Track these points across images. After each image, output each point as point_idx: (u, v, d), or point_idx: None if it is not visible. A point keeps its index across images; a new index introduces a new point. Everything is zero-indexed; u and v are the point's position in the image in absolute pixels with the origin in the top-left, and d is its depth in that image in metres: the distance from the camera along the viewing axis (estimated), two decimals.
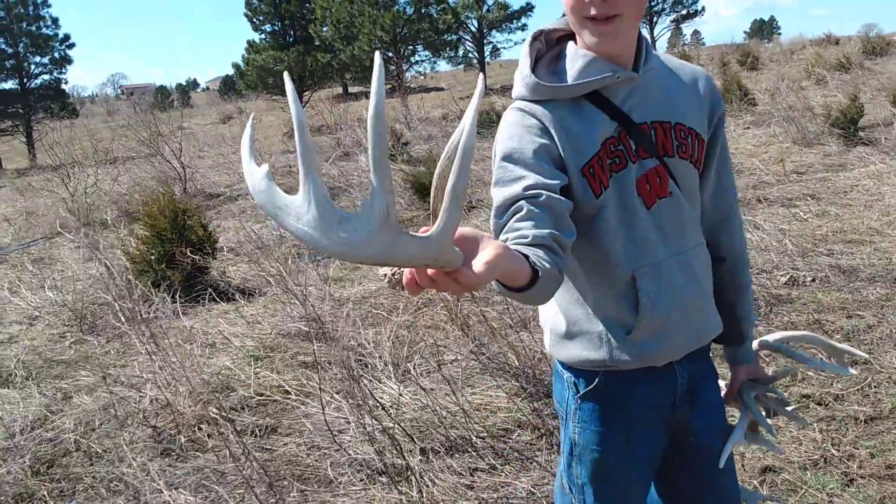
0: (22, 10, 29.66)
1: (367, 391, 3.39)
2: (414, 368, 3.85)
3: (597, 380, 1.60)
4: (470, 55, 36.33)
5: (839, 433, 3.26)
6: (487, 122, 13.52)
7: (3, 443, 3.92)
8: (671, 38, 59.79)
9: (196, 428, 3.86)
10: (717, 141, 1.65)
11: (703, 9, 46.99)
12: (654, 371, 1.60)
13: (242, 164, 0.88)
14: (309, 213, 0.83)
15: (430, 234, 0.87)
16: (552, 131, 1.46)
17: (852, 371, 1.88)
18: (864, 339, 4.10)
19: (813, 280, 4.97)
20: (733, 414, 1.82)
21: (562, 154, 1.45)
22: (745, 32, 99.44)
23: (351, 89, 35.23)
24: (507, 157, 1.43)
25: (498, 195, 1.39)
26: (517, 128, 1.47)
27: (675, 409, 1.65)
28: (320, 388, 3.43)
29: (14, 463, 3.67)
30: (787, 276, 5.02)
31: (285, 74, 0.95)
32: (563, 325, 1.61)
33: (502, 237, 1.30)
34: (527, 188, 1.35)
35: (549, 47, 1.59)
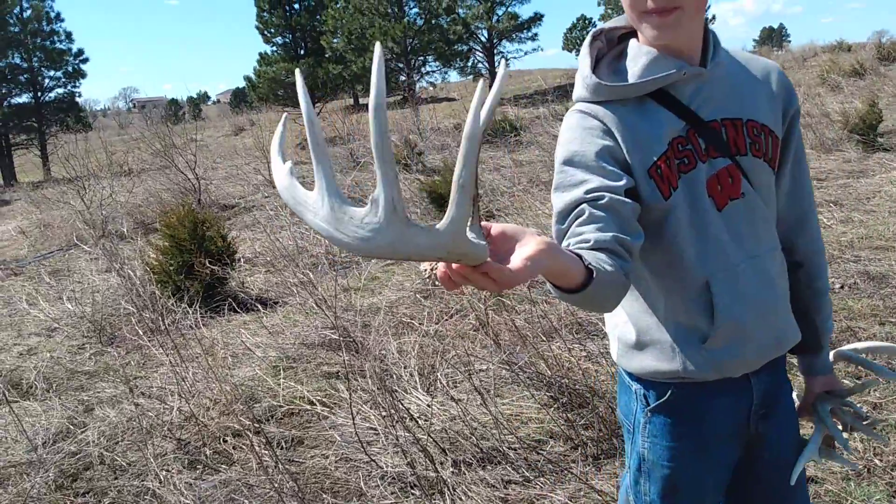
0: (36, 25, 29.87)
1: (398, 402, 3.33)
2: (442, 378, 3.79)
3: (669, 392, 1.53)
4: (480, 65, 36.40)
5: (881, 442, 3.18)
6: (500, 132, 13.51)
7: (25, 456, 3.88)
8: None
9: (221, 440, 3.81)
10: (792, 138, 1.56)
11: (714, 17, 46.89)
12: (730, 382, 1.52)
13: (271, 162, 0.90)
14: (324, 208, 0.84)
15: (438, 224, 0.85)
16: (615, 132, 1.40)
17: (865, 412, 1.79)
18: None
19: (842, 287, 4.90)
20: (804, 427, 1.75)
21: (626, 156, 1.40)
22: (754, 41, 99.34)
23: (362, 100, 35.34)
24: (568, 161, 1.38)
25: (558, 200, 1.34)
26: (578, 130, 1.42)
27: (751, 423, 1.57)
28: (350, 399, 3.37)
29: (38, 476, 3.62)
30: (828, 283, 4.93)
31: (297, 71, 0.96)
32: (632, 334, 1.55)
33: (564, 243, 1.25)
34: (588, 191, 1.30)
35: (611, 46, 1.53)
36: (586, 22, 69.93)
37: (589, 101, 1.45)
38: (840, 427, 1.71)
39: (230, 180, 14.02)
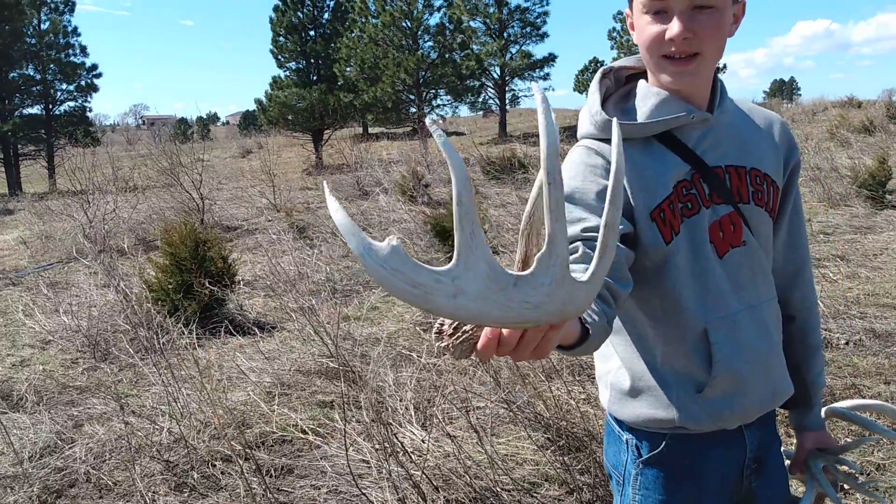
0: (52, 38, 30.13)
1: (392, 435, 3.26)
2: (439, 413, 3.72)
3: (663, 443, 1.48)
4: (490, 101, 36.64)
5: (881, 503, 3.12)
6: (508, 169, 13.53)
7: (10, 469, 3.80)
8: None
9: (210, 464, 3.74)
10: (791, 189, 1.57)
11: (725, 66, 47.35)
12: (725, 435, 1.49)
13: (352, 244, 0.68)
14: (474, 284, 0.71)
15: (585, 277, 0.77)
16: None
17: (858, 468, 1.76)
18: None
19: (847, 343, 4.85)
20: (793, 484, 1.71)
21: (630, 197, 1.37)
22: (764, 92, 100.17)
23: (371, 130, 35.54)
24: (568, 197, 1.33)
25: None
26: (581, 167, 1.39)
27: (744, 478, 1.53)
28: (345, 430, 3.31)
29: (21, 491, 3.55)
30: (821, 338, 4.88)
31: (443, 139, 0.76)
32: (626, 380, 1.50)
33: None
34: (585, 230, 1.27)
35: (618, 86, 1.52)
36: (598, 65, 70.54)
37: (595, 139, 1.43)
38: (833, 485, 1.67)
39: (234, 202, 14.04)
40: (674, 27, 1.29)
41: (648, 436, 1.49)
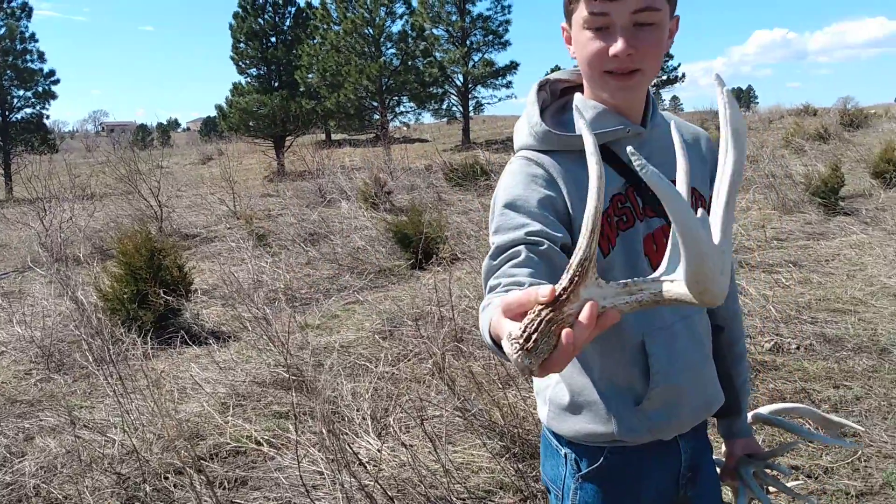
0: (9, 44, 29.57)
1: (346, 446, 3.25)
2: (395, 423, 3.72)
3: (602, 457, 1.48)
4: (454, 109, 36.74)
5: None
6: (471, 175, 13.57)
7: None
8: None
9: (162, 477, 3.68)
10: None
11: (684, 75, 47.98)
12: (661, 446, 1.50)
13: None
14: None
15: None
16: (560, 184, 1.37)
17: (847, 442, 1.81)
18: (853, 410, 4.04)
19: (798, 348, 4.93)
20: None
21: (569, 208, 1.37)
22: None
23: (334, 136, 35.37)
24: (510, 205, 1.32)
25: (497, 240, 1.28)
26: (522, 176, 1.38)
27: (679, 488, 1.55)
28: (297, 442, 3.28)
29: None
30: (772, 343, 4.97)
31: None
32: (565, 395, 1.49)
33: (492, 282, 1.18)
34: (529, 233, 1.25)
35: (554, 98, 1.53)
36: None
37: (535, 150, 1.43)
38: (767, 490, 1.72)
39: (194, 209, 13.89)
40: (618, 44, 1.30)
41: (587, 450, 1.50)
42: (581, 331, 0.83)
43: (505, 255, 1.23)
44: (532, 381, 1.63)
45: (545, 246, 1.24)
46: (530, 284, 1.13)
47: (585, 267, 0.84)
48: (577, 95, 1.47)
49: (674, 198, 0.78)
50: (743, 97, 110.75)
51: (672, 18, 1.38)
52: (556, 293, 0.83)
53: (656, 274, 0.92)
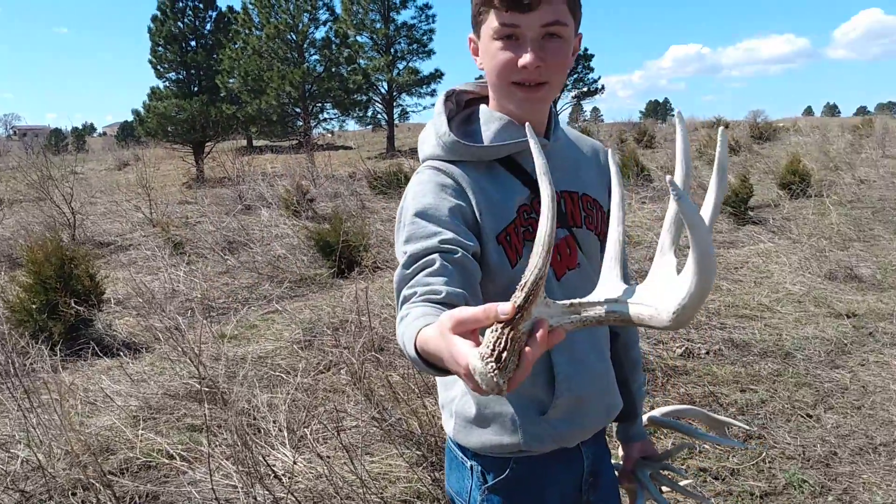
0: None
1: (260, 458, 3.19)
2: (311, 434, 3.67)
3: (508, 468, 1.49)
4: (379, 116, 36.66)
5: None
6: (395, 183, 13.54)
7: None
8: (572, 114, 62.13)
9: (70, 493, 3.55)
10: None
11: (603, 87, 49.01)
12: (565, 453, 1.53)
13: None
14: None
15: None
16: (469, 194, 1.38)
17: (735, 442, 1.89)
18: (758, 413, 4.18)
19: (707, 353, 5.08)
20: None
21: (479, 219, 1.37)
22: (640, 112, 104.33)
23: (256, 142, 34.83)
24: (421, 214, 1.31)
25: (409, 249, 1.26)
26: (432, 185, 1.37)
27: (582, 493, 1.58)
28: (209, 454, 3.21)
29: None
30: (683, 348, 5.11)
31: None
32: (471, 408, 1.49)
33: (407, 291, 1.17)
34: (443, 241, 1.25)
35: (459, 109, 1.54)
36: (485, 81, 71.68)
37: (442, 160, 1.43)
38: (661, 490, 1.76)
39: (109, 216, 13.45)
40: (527, 56, 1.31)
41: (493, 461, 1.50)
42: (536, 349, 0.84)
43: (419, 263, 1.22)
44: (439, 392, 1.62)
45: (459, 254, 1.23)
46: (447, 294, 1.14)
47: (539, 285, 0.86)
48: (483, 107, 1.48)
49: (701, 229, 0.80)
50: (660, 110, 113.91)
51: (576, 35, 1.40)
52: (515, 311, 0.84)
53: (602, 297, 0.96)
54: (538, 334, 0.84)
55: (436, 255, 1.22)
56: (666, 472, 1.77)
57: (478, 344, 0.85)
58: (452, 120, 1.49)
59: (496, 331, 0.83)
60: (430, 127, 1.48)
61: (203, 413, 4.11)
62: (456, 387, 1.53)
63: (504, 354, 0.81)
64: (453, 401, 1.53)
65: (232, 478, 3.40)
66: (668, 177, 0.84)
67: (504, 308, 0.84)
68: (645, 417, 1.84)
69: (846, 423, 4.03)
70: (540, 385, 1.45)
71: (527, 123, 1.15)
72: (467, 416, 1.50)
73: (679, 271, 0.95)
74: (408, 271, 1.22)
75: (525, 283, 0.86)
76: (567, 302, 0.93)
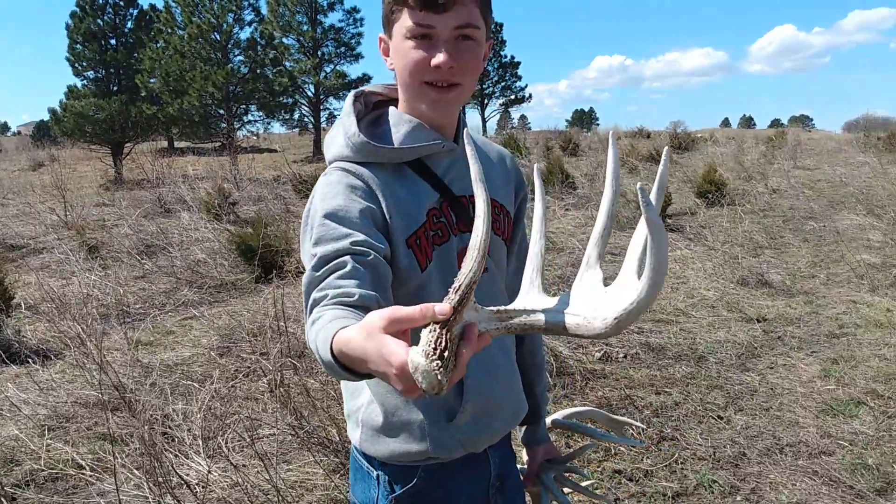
0: None
1: (171, 467, 3.11)
2: (226, 443, 3.60)
3: (416, 477, 1.48)
4: (306, 119, 36.27)
5: None
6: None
7: None
8: (500, 121, 62.66)
9: None
10: (520, 220, 1.66)
11: (531, 96, 49.69)
12: (472, 458, 1.53)
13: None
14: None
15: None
16: (380, 197, 1.36)
17: (634, 441, 1.95)
18: (671, 415, 4.29)
19: (625, 356, 5.19)
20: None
21: (389, 221, 1.36)
22: (566, 121, 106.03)
23: (178, 144, 34.03)
24: (331, 215, 1.28)
25: (319, 251, 1.23)
26: (341, 187, 1.34)
27: (490, 497, 1.59)
28: (115, 464, 3.11)
29: None
30: (602, 352, 5.21)
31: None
32: (379, 416, 1.47)
33: (317, 294, 1.15)
34: (355, 243, 1.22)
35: (368, 110, 1.52)
36: None
37: (351, 161, 1.41)
38: (565, 492, 1.79)
39: (21, 219, 12.95)
40: (441, 56, 1.31)
41: (401, 470, 1.49)
42: (469, 352, 0.86)
43: (330, 265, 1.19)
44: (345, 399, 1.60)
45: (371, 256, 1.22)
46: (360, 296, 1.12)
47: (472, 289, 0.87)
48: (392, 109, 1.47)
49: (662, 245, 0.84)
50: (585, 118, 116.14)
51: (487, 40, 1.41)
52: (452, 311, 0.85)
53: (530, 305, 0.99)
54: (470, 336, 0.86)
55: (347, 258, 1.19)
56: (569, 474, 1.80)
57: (409, 344, 0.85)
58: (361, 121, 1.47)
59: (434, 331, 0.84)
60: (339, 127, 1.47)
61: (112, 422, 3.99)
62: (363, 395, 1.51)
63: (446, 353, 0.82)
64: (360, 409, 1.51)
65: (143, 488, 3.31)
66: (638, 184, 0.86)
67: (441, 308, 0.84)
68: (548, 420, 1.87)
69: (755, 425, 4.17)
70: (449, 389, 1.45)
71: (466, 130, 1.20)
72: (374, 424, 1.48)
73: (606, 284, 0.99)
74: (318, 273, 1.20)
75: (459, 285, 0.87)
76: (494, 308, 0.96)
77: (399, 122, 1.44)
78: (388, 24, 1.39)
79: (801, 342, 5.53)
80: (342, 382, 1.55)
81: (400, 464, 1.48)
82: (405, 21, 1.33)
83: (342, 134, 1.44)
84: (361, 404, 1.50)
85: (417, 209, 1.40)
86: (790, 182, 13.47)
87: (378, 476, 1.50)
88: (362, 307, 1.11)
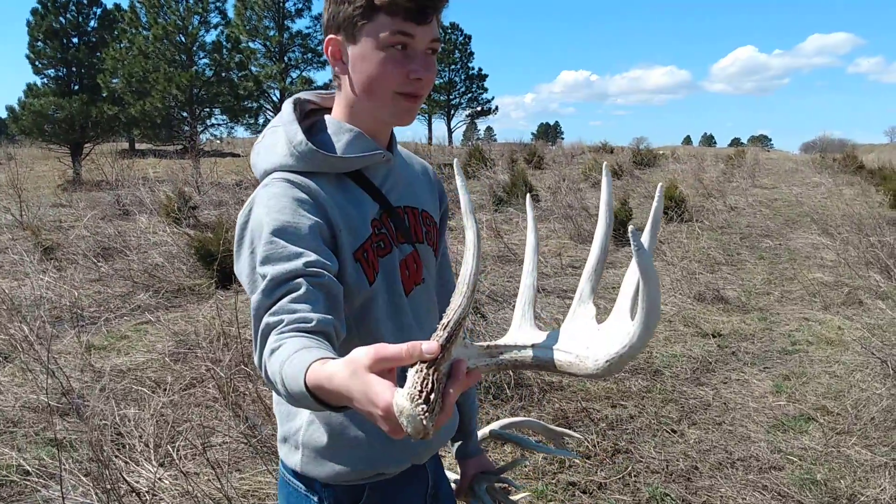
0: None
1: (120, 474, 3.06)
2: (178, 450, 3.55)
3: (364, 495, 1.45)
4: None
5: None
6: None
7: None
8: (467, 132, 62.90)
9: None
10: (443, 232, 1.66)
11: (496, 108, 50.00)
12: (413, 471, 1.52)
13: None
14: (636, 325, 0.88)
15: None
16: (328, 210, 1.31)
17: (571, 453, 1.97)
18: (626, 428, 4.32)
19: None
20: None
21: (337, 235, 1.31)
22: (532, 134, 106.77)
23: (139, 145, 33.59)
24: (280, 232, 1.21)
25: (269, 272, 1.16)
26: (287, 200, 1.27)
27: None
28: (61, 470, 3.05)
29: None
30: None
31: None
32: (323, 436, 1.42)
33: (271, 319, 1.10)
34: (308, 264, 1.16)
35: (301, 119, 1.46)
36: None
37: (294, 171, 1.34)
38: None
39: None
40: (420, 68, 1.29)
41: (347, 490, 1.45)
42: (457, 391, 0.82)
43: (282, 288, 1.14)
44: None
45: (325, 278, 1.18)
46: (318, 321, 1.09)
47: (462, 325, 0.84)
48: (329, 118, 1.43)
49: (654, 285, 0.84)
50: (550, 132, 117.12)
51: None
52: (440, 350, 0.82)
53: (521, 340, 0.99)
54: (458, 375, 0.83)
55: (301, 280, 1.15)
56: (503, 486, 1.82)
57: (394, 383, 0.83)
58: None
59: (421, 371, 0.81)
60: (278, 135, 1.40)
61: (61, 427, 3.91)
62: (300, 416, 1.45)
63: (432, 396, 0.79)
64: (299, 431, 1.45)
65: (90, 496, 3.25)
66: (630, 227, 0.84)
67: (429, 347, 0.81)
68: (486, 430, 1.88)
69: (707, 439, 4.22)
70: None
71: (455, 161, 1.22)
72: (318, 445, 1.43)
73: (599, 321, 1.00)
74: (269, 300, 1.14)
75: (448, 322, 0.85)
76: (485, 344, 0.94)
77: (339, 130, 1.39)
78: (351, 28, 1.31)
79: (755, 358, 5.61)
80: (276, 405, 1.51)
81: (347, 483, 1.45)
82: (382, 28, 1.27)
83: (284, 142, 1.37)
84: (300, 426, 1.45)
85: (362, 221, 1.37)
86: (748, 200, 13.72)
87: (320, 500, 1.45)
88: (321, 332, 1.08)
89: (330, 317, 1.13)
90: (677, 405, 4.69)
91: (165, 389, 4.38)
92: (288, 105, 1.45)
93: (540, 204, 12.57)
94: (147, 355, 5.47)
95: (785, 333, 6.21)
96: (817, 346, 5.87)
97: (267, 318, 1.11)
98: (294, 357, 0.98)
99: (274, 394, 1.35)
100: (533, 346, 0.98)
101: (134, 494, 3.15)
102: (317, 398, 0.93)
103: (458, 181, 1.06)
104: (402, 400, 0.80)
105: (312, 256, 1.19)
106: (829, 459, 3.96)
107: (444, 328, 0.84)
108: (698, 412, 4.60)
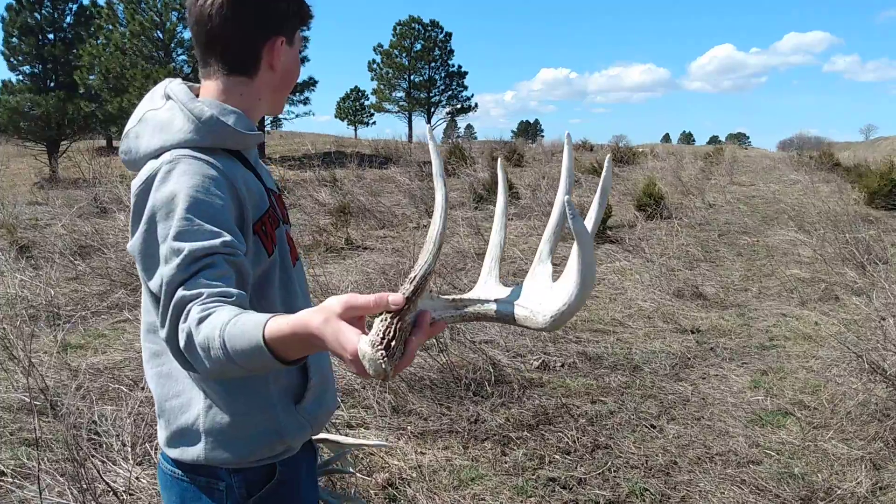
0: None
1: (97, 473, 3.03)
2: (155, 449, 3.51)
3: (276, 473, 1.44)
4: None
5: None
6: None
7: None
8: (447, 130, 62.85)
9: None
10: None
11: (476, 105, 50.00)
12: (308, 443, 1.57)
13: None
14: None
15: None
16: (236, 185, 1.34)
17: (352, 470, 2.03)
18: (606, 423, 4.34)
19: (562, 365, 5.24)
20: None
21: (243, 211, 1.34)
22: (512, 132, 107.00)
23: (116, 143, 33.31)
24: (195, 210, 1.23)
25: (186, 247, 1.18)
26: (200, 178, 1.28)
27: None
28: (38, 470, 3.02)
29: None
30: (540, 361, 5.25)
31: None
32: (224, 418, 1.39)
33: (187, 291, 1.12)
34: (225, 244, 1.20)
35: None
36: (360, 93, 71.65)
37: (198, 146, 1.35)
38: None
39: None
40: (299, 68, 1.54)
41: (257, 471, 1.43)
42: (420, 339, 0.94)
43: (198, 263, 1.17)
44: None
45: (239, 258, 1.22)
46: (237, 296, 1.14)
47: (427, 279, 0.96)
48: (209, 99, 1.43)
49: (588, 245, 0.98)
50: (530, 130, 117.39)
51: None
52: (405, 302, 0.93)
53: (484, 295, 1.09)
54: (422, 325, 0.95)
55: (218, 257, 1.18)
56: (331, 475, 1.86)
57: (363, 331, 0.92)
58: None
59: (385, 320, 0.92)
60: (174, 111, 1.39)
61: (45, 426, 3.87)
62: (194, 406, 1.41)
63: (392, 343, 0.90)
64: (197, 420, 1.40)
65: (66, 495, 3.21)
66: (566, 197, 1.01)
67: (395, 298, 0.92)
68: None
69: (686, 434, 4.25)
70: (295, 371, 1.46)
71: (427, 126, 1.38)
72: (219, 427, 1.39)
73: (554, 279, 1.05)
74: (186, 271, 1.16)
75: (414, 276, 0.95)
76: (450, 297, 1.04)
77: (223, 111, 1.39)
78: (291, 31, 1.50)
79: (733, 353, 5.66)
80: (166, 401, 1.44)
81: (259, 464, 1.43)
82: (298, 35, 1.51)
83: (183, 117, 1.37)
84: (197, 414, 1.40)
85: (261, 195, 1.43)
86: (726, 197, 13.82)
87: (228, 487, 1.41)
88: (241, 306, 1.12)
89: (245, 293, 1.19)
90: (656, 401, 4.71)
91: (143, 387, 4.34)
92: (179, 83, 1.46)
93: (520, 201, 12.59)
94: (125, 353, 5.42)
95: (762, 329, 6.26)
96: (794, 341, 5.93)
97: (182, 292, 1.14)
98: (239, 318, 1.04)
99: (161, 392, 1.40)
100: (496, 300, 1.06)
101: (111, 494, 3.12)
102: (272, 351, 1.00)
103: (431, 145, 1.16)
104: (365, 346, 0.89)
105: (228, 237, 1.23)
106: (807, 453, 3.99)
107: (411, 282, 0.95)
108: (677, 407, 4.63)
